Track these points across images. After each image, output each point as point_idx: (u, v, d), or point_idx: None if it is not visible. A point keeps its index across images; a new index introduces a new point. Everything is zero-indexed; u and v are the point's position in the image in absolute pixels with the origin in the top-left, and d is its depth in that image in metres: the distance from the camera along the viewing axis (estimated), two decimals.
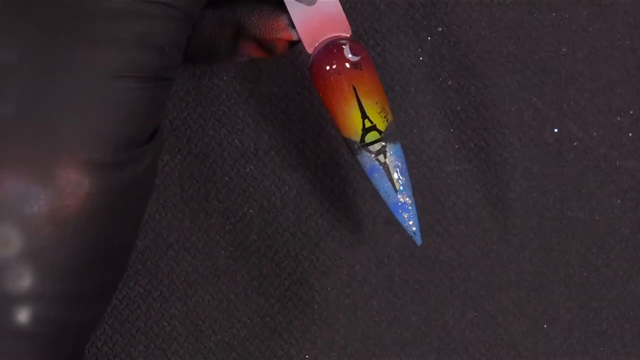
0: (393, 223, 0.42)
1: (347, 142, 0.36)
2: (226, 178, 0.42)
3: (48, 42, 0.30)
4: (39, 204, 0.29)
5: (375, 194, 0.37)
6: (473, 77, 0.43)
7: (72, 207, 0.29)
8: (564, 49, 0.43)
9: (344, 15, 0.36)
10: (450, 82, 0.43)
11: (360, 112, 0.35)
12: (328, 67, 0.35)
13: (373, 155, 0.36)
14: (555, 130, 0.43)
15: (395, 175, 0.36)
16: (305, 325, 0.42)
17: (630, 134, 0.43)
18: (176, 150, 0.42)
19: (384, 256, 0.42)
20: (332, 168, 0.42)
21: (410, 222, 0.36)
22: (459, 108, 0.43)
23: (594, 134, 0.43)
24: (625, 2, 0.43)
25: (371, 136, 0.36)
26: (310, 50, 0.36)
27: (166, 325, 0.41)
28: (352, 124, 0.36)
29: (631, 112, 0.43)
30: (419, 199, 0.42)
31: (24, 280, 0.29)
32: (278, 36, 0.36)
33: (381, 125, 0.36)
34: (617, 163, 0.43)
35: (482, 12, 0.43)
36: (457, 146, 0.43)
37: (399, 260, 0.42)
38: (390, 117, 0.36)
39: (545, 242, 0.42)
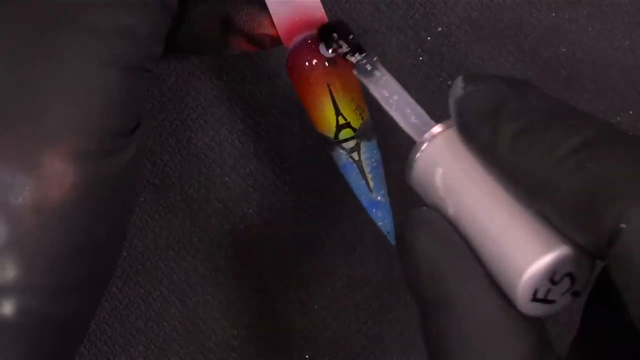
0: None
1: (321, 137, 0.36)
2: (226, 178, 0.42)
3: (35, 33, 0.30)
4: (24, 195, 0.29)
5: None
6: None
7: (57, 197, 0.29)
8: (564, 49, 0.43)
9: (323, 11, 0.36)
10: (450, 82, 0.43)
11: (334, 109, 0.35)
12: (303, 63, 0.35)
13: (346, 153, 0.35)
14: None
15: (369, 174, 0.36)
16: (305, 325, 0.42)
17: (630, 134, 0.43)
18: (176, 150, 0.42)
19: (383, 256, 0.42)
20: (332, 168, 0.42)
21: (385, 221, 0.36)
22: None
23: None
24: (625, 2, 0.43)
25: (345, 133, 0.35)
26: (287, 44, 0.36)
27: (166, 326, 0.41)
28: (326, 120, 0.35)
29: (631, 112, 0.43)
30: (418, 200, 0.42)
31: (8, 271, 0.29)
32: (265, 32, 0.36)
33: (355, 123, 0.35)
34: None
35: (482, 12, 0.43)
36: None
37: (399, 260, 0.42)
38: (366, 115, 0.35)
39: None
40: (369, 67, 0.32)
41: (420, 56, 0.43)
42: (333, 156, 0.36)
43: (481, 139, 0.24)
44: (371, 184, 0.35)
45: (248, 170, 0.42)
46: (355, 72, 0.33)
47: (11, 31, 0.30)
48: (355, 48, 0.33)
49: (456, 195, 0.25)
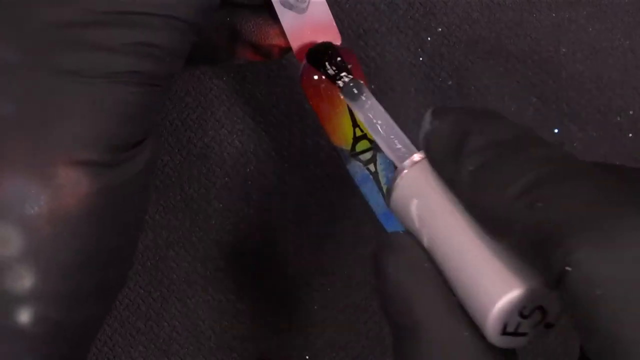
0: None
1: (337, 150, 0.36)
2: (226, 178, 0.42)
3: (49, 44, 0.30)
4: (40, 204, 0.29)
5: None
6: (473, 77, 0.43)
7: (71, 207, 0.30)
8: (564, 49, 0.43)
9: (334, 23, 0.36)
10: (450, 82, 0.43)
11: (351, 121, 0.35)
12: (318, 76, 0.35)
13: (363, 165, 0.35)
14: (555, 130, 0.43)
15: (385, 185, 0.35)
16: (305, 325, 0.42)
17: (630, 134, 0.43)
18: (176, 150, 0.42)
19: None
20: (332, 168, 0.42)
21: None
22: None
23: (594, 134, 0.43)
24: (625, 2, 0.43)
25: (362, 145, 0.35)
26: (300, 59, 0.36)
27: (166, 326, 0.41)
28: (343, 133, 0.35)
29: (631, 112, 0.43)
30: None
31: (25, 280, 0.29)
32: (272, 43, 0.36)
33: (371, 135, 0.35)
34: (617, 163, 0.43)
35: (482, 12, 0.43)
36: None
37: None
38: None
39: None
40: (355, 91, 0.32)
41: (420, 56, 0.43)
42: (349, 169, 0.36)
43: (446, 174, 0.25)
44: None
45: (248, 170, 0.42)
46: (341, 95, 0.33)
47: (23, 41, 0.30)
48: (342, 71, 0.33)
49: (429, 227, 0.25)
